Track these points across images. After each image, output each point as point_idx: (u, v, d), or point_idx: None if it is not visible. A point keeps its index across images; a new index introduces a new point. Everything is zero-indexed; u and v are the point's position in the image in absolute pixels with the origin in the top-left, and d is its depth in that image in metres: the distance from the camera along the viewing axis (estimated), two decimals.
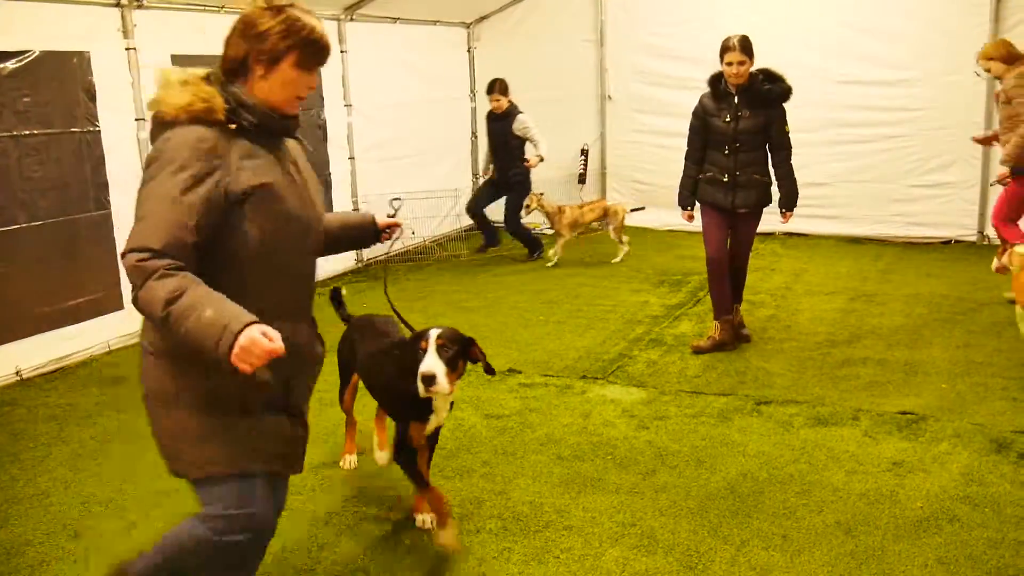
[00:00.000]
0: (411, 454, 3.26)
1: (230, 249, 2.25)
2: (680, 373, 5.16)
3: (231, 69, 2.31)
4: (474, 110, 10.06)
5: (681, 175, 5.59)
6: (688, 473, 3.89)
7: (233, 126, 2.25)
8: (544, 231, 8.97)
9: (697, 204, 5.59)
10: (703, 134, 5.42)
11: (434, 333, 2.93)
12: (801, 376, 5.03)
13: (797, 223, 8.66)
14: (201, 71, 2.32)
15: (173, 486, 3.85)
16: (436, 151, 9.32)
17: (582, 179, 9.60)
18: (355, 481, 3.93)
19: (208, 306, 2.06)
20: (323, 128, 7.69)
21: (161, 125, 2.24)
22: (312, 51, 2.31)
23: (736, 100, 5.26)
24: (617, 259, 8.12)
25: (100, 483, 3.97)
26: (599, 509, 3.60)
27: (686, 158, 5.55)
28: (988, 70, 6.37)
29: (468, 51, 9.94)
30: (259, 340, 2.03)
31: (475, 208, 8.66)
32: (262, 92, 2.30)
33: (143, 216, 2.15)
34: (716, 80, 5.35)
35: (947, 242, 8.28)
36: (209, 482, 2.34)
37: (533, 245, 8.48)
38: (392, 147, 8.44)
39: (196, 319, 2.04)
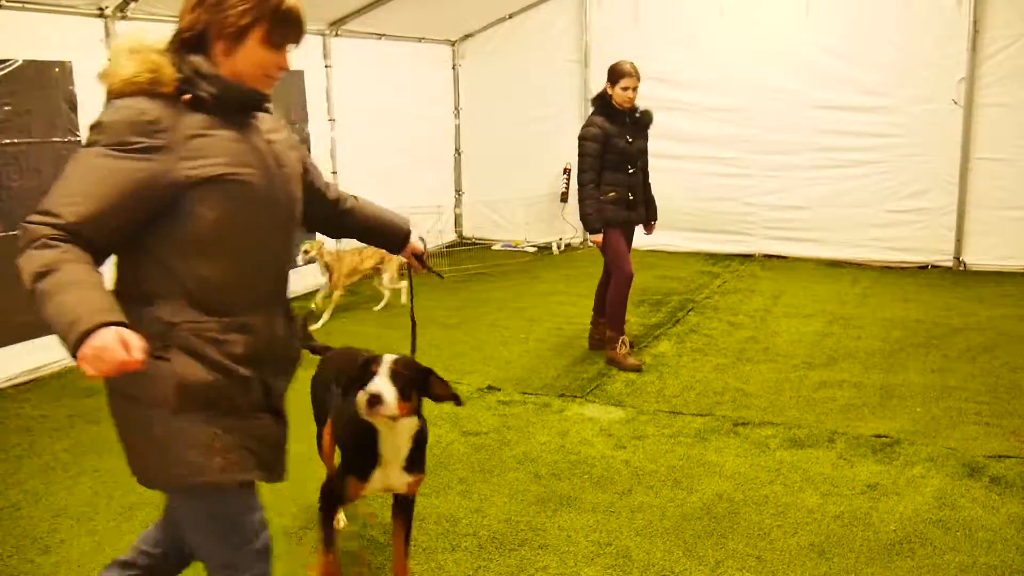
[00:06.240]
0: (333, 505, 2.99)
1: (184, 234, 1.99)
2: (658, 393, 5.17)
3: (189, 41, 2.04)
4: (458, 127, 10.12)
5: (588, 200, 5.50)
6: (664, 493, 3.90)
7: (186, 98, 1.98)
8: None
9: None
10: (601, 156, 5.48)
11: (389, 357, 2.71)
12: (778, 398, 5.06)
13: (777, 245, 8.85)
14: (160, 41, 2.06)
15: (146, 500, 3.82)
16: (419, 167, 9.34)
17: (564, 198, 9.63)
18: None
19: (71, 291, 1.76)
20: (306, 142, 7.69)
21: (110, 98, 2.00)
22: (282, 27, 2.04)
23: (628, 121, 5.51)
24: (379, 306, 7.29)
25: (71, 496, 3.93)
26: (575, 528, 3.59)
27: (588, 182, 5.50)
28: None
29: (453, 68, 9.99)
30: (112, 348, 1.72)
31: None
32: (226, 70, 2.04)
33: (60, 183, 1.90)
34: (609, 103, 5.48)
35: (924, 267, 8.37)
36: (195, 493, 2.10)
37: None
38: (375, 162, 8.44)
39: (56, 304, 1.75)
